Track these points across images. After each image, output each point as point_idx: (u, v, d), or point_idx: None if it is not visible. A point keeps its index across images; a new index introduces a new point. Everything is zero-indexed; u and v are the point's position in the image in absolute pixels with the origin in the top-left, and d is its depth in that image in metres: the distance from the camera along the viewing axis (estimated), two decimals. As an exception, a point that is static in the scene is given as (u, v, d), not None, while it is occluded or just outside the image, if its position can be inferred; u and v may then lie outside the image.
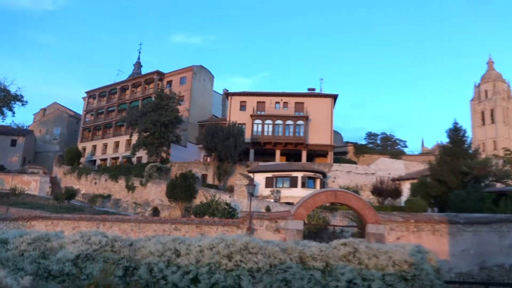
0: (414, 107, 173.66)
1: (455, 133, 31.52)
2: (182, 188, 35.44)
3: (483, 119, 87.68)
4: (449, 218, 16.88)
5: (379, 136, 76.97)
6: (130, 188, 45.40)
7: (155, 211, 40.44)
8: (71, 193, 41.74)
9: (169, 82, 61.37)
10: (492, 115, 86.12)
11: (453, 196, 26.66)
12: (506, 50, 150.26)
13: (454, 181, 28.55)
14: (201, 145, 51.99)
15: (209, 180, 46.48)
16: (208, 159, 51.45)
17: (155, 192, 43.00)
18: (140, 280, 7.47)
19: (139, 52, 76.27)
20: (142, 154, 52.80)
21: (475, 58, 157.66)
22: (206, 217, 25.50)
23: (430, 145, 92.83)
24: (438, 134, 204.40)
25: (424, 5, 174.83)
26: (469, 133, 34.77)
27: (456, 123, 31.82)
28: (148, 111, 49.79)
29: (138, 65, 73.76)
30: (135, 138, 52.40)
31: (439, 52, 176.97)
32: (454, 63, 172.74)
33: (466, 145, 31.64)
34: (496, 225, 16.38)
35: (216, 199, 30.46)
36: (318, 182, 40.27)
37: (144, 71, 70.89)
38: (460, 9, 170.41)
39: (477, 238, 16.24)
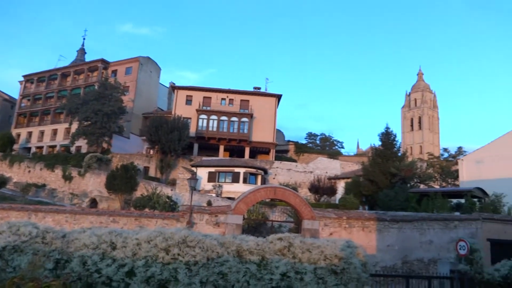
0: (352, 111, 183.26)
1: (387, 137, 33.60)
2: (122, 180, 34.33)
3: (412, 125, 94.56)
4: (377, 215, 18.12)
5: (319, 137, 79.79)
6: (67, 178, 43.15)
7: (93, 203, 38.83)
8: (1, 181, 38.87)
9: (114, 72, 59.22)
10: (419, 122, 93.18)
11: (382, 195, 28.31)
12: (434, 62, 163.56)
13: (384, 182, 30.43)
14: (144, 137, 50.75)
15: (151, 173, 45.59)
16: (151, 151, 50.36)
17: (93, 183, 41.23)
18: (72, 273, 7.24)
19: (84, 39, 73.94)
20: (82, 143, 50.49)
21: (408, 69, 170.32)
22: (146, 209, 24.97)
23: (364, 147, 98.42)
24: (372, 137, 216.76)
25: (365, 19, 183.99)
26: (399, 138, 36.94)
27: (387, 128, 33.95)
28: (91, 99, 47.77)
29: (82, 51, 70.18)
30: (74, 126, 50.00)
31: (377, 62, 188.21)
32: (390, 73, 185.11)
33: (395, 149, 33.79)
34: (418, 223, 17.87)
35: (158, 192, 29.87)
36: (259, 178, 40.98)
37: (88, 58, 68.01)
38: (396, 26, 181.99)
39: (401, 234, 17.62)
